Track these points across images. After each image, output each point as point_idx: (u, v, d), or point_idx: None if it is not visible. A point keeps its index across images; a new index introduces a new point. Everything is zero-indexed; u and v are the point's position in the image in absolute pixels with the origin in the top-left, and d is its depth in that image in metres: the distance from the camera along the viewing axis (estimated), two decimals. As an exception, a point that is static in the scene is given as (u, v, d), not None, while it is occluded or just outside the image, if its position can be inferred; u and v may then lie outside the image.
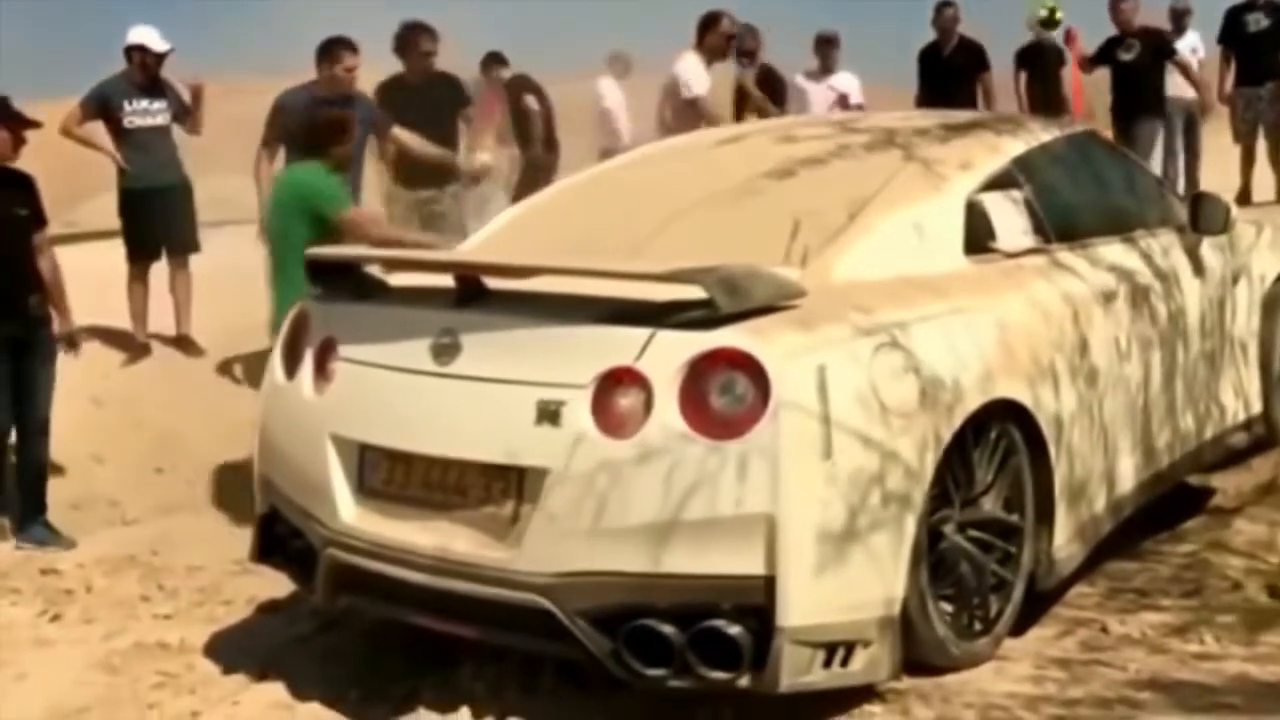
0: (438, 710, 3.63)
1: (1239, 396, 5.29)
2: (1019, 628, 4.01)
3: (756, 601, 3.31)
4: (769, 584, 3.30)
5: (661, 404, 3.35)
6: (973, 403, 3.70)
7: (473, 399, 3.59)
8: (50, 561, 5.53)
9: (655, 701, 3.57)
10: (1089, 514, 4.24)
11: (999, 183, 4.38)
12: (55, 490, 6.30)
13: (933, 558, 3.67)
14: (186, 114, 8.10)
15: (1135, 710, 3.56)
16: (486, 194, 11.05)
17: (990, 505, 3.88)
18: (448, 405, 3.64)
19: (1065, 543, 4.10)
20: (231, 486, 6.43)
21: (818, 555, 3.34)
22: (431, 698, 3.75)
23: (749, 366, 3.32)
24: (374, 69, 7.72)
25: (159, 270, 8.12)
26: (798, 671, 3.35)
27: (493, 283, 3.79)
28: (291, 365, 4.13)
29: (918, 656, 3.65)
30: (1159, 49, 10.42)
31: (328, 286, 4.19)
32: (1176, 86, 10.67)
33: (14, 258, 5.96)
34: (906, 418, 3.51)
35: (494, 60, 11.71)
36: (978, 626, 3.86)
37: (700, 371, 3.35)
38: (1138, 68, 10.28)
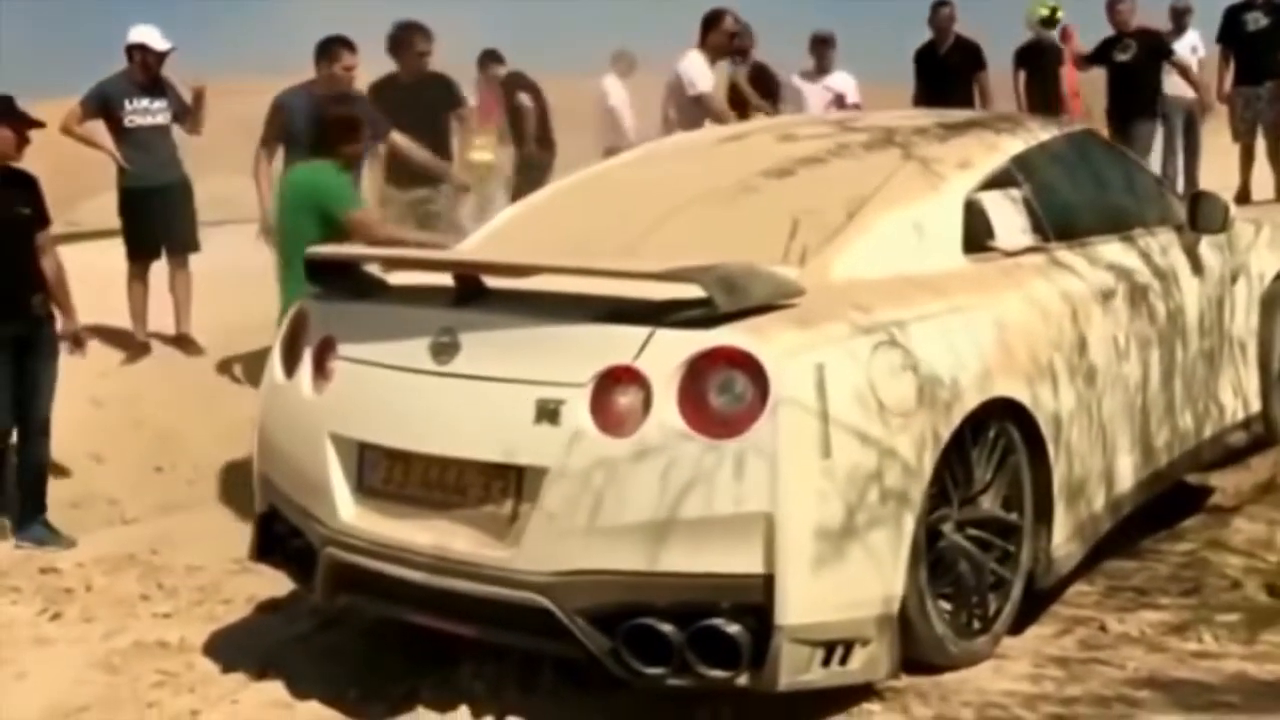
0: (437, 709, 3.63)
1: (1238, 395, 5.30)
2: (1017, 626, 4.02)
3: (755, 600, 3.32)
4: (768, 582, 3.30)
5: (660, 403, 3.36)
6: (971, 401, 3.70)
7: (472, 398, 3.60)
8: (50, 560, 5.53)
9: (654, 700, 3.57)
10: (1088, 512, 4.24)
11: (998, 181, 4.38)
12: (55, 489, 6.29)
13: (931, 556, 3.67)
14: (186, 113, 8.10)
15: (1134, 708, 3.56)
16: (489, 193, 11.09)
17: (989, 504, 3.88)
18: (447, 404, 3.64)
19: (1064, 541, 4.10)
20: (231, 485, 6.43)
21: (816, 554, 3.34)
22: (431, 696, 3.75)
23: (748, 365, 3.33)
24: (372, 69, 7.72)
25: (159, 269, 8.13)
26: (796, 670, 3.35)
27: (492, 282, 3.80)
28: (291, 364, 4.13)
29: (916, 655, 3.65)
30: (1156, 50, 10.43)
31: (327, 285, 4.19)
32: (1176, 85, 10.68)
33: (17, 257, 5.97)
34: (905, 416, 3.51)
35: (490, 58, 11.72)
36: (976, 625, 3.86)
37: (699, 370, 3.35)
38: (1134, 68, 10.28)
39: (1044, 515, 4.02)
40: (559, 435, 3.43)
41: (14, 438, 6.02)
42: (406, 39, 7.68)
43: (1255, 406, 5.44)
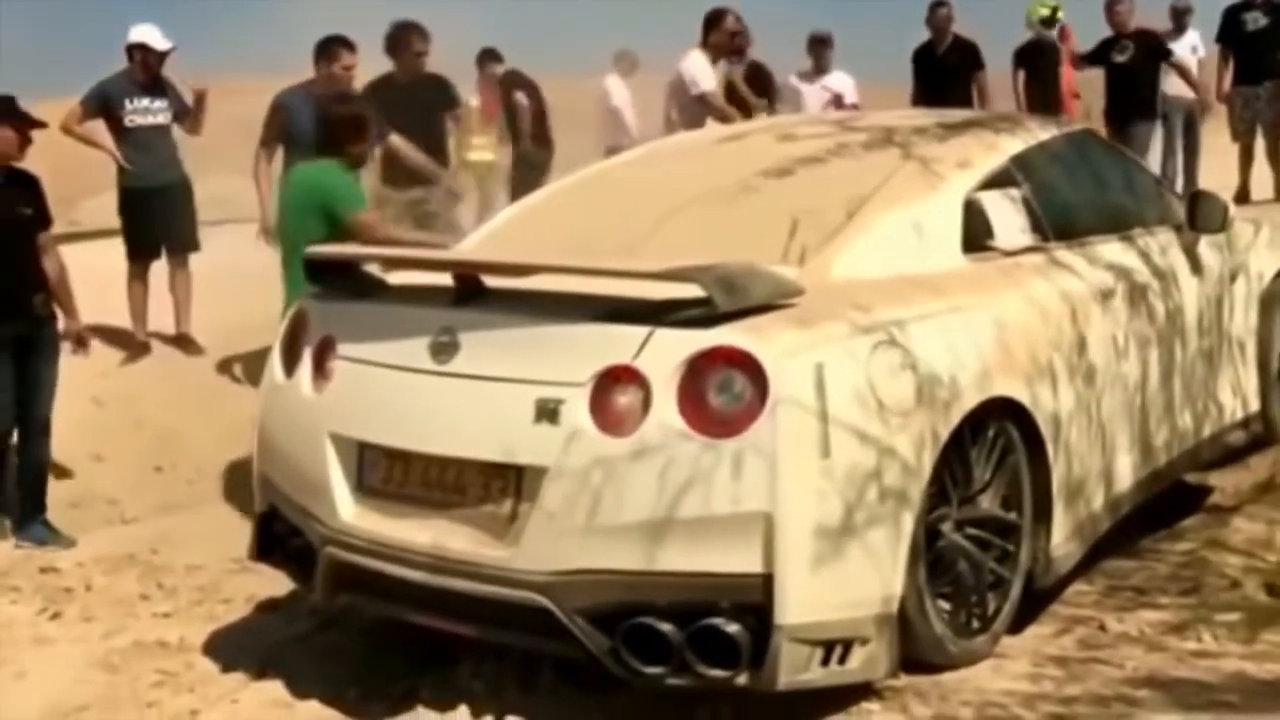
0: (436, 708, 3.63)
1: (1237, 394, 5.30)
2: (1017, 626, 4.02)
3: (754, 599, 3.32)
4: (767, 582, 3.31)
5: (660, 402, 3.36)
6: (970, 401, 3.71)
7: (471, 397, 3.60)
8: (50, 560, 5.53)
9: (654, 700, 3.57)
10: (1087, 512, 4.24)
11: (997, 181, 4.39)
12: (55, 489, 6.30)
13: (930, 556, 3.67)
14: (186, 113, 8.11)
15: (1133, 708, 3.56)
16: (491, 191, 11.10)
17: (988, 503, 3.88)
18: (446, 404, 3.64)
19: (1063, 541, 4.10)
20: (231, 485, 6.43)
21: (815, 553, 3.34)
22: (430, 696, 3.76)
23: (747, 364, 3.33)
24: (371, 70, 7.72)
25: (159, 269, 8.13)
26: (796, 669, 3.35)
27: (491, 281, 3.80)
28: (290, 364, 4.13)
29: (915, 654, 3.65)
30: (1154, 51, 10.44)
31: (326, 285, 4.19)
32: (1176, 85, 10.69)
33: (18, 257, 5.97)
34: (904, 415, 3.51)
35: (489, 56, 11.72)
36: (975, 624, 3.87)
37: (698, 369, 3.36)
38: (1132, 70, 10.29)
39: (1043, 514, 4.02)
40: (558, 435, 3.43)
41: (14, 438, 6.03)
42: (403, 39, 7.68)
43: (1254, 406, 5.44)
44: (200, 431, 7.13)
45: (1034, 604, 4.12)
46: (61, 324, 6.22)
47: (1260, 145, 10.79)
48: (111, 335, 7.89)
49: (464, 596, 3.57)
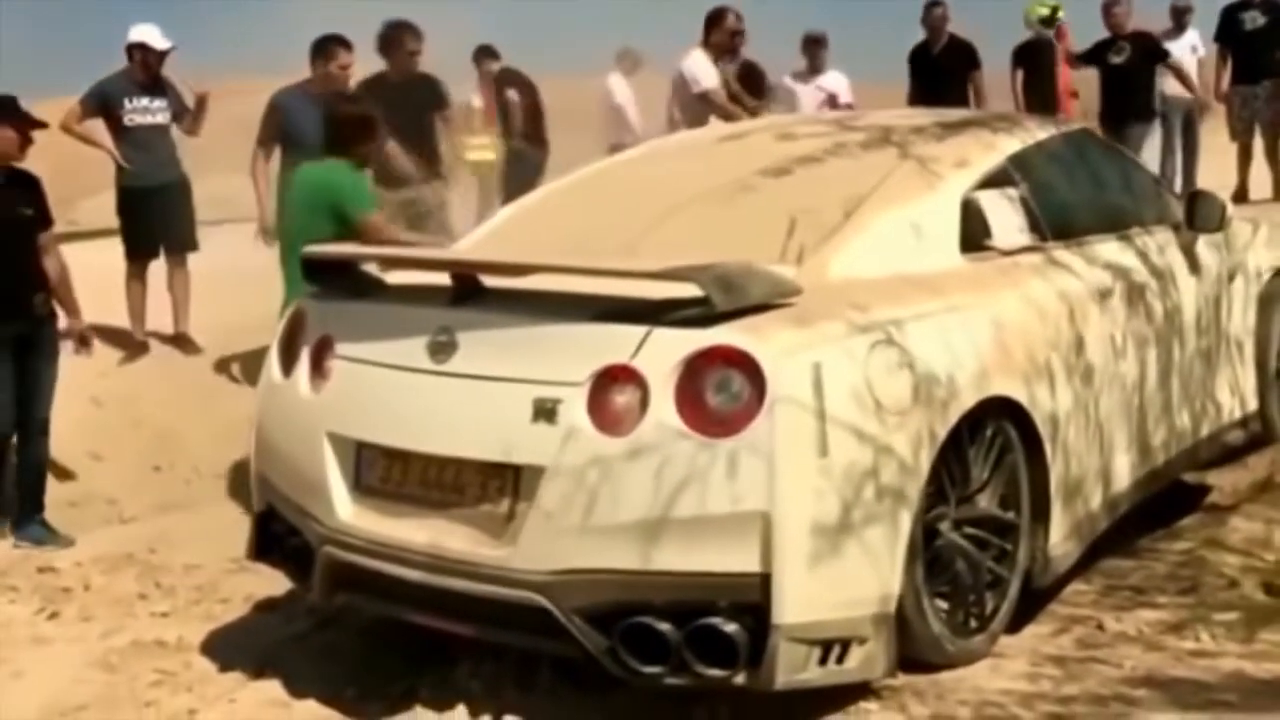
0: (435, 708, 3.64)
1: (1235, 394, 5.30)
2: (1015, 625, 4.02)
3: (752, 599, 3.32)
4: (765, 581, 3.30)
5: (657, 401, 3.36)
6: (968, 400, 3.71)
7: (469, 397, 3.60)
8: (48, 559, 5.54)
9: (652, 699, 3.57)
10: (1085, 511, 4.24)
11: (995, 181, 4.39)
12: (53, 488, 6.30)
13: (928, 555, 3.67)
14: (186, 113, 8.11)
15: (1131, 707, 3.56)
16: (492, 191, 11.08)
17: (986, 502, 3.88)
18: (444, 403, 3.64)
19: (1061, 540, 4.10)
20: (229, 485, 6.44)
21: (813, 552, 3.34)
22: (428, 695, 3.76)
23: (745, 364, 3.33)
24: (366, 69, 7.71)
25: (157, 269, 8.13)
26: (793, 669, 3.35)
27: (489, 281, 3.80)
28: (288, 363, 4.13)
29: (913, 654, 3.65)
30: (1150, 53, 10.44)
31: (324, 284, 4.19)
32: (1175, 85, 10.69)
33: (19, 257, 5.97)
34: (902, 415, 3.51)
35: (484, 53, 11.70)
36: (973, 624, 3.87)
37: (696, 369, 3.36)
38: (1128, 71, 10.29)
39: (1041, 514, 4.02)
40: (556, 434, 3.43)
41: (14, 438, 6.03)
42: (397, 38, 7.66)
43: (1252, 405, 5.44)
44: (198, 431, 7.13)
45: (1032, 603, 4.12)
46: (64, 324, 6.22)
47: (1258, 144, 10.80)
48: (110, 335, 7.88)
49: (462, 596, 3.56)
